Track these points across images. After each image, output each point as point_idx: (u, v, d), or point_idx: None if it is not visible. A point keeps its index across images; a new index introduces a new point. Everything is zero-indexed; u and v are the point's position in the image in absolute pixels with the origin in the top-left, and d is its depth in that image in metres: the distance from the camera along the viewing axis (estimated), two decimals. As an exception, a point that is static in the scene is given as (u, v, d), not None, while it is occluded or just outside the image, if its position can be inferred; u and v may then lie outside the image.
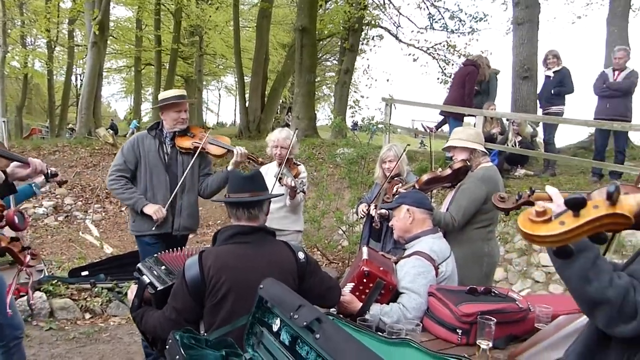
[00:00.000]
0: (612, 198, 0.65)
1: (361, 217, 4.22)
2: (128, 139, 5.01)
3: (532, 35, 9.57)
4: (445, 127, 8.32)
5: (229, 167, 3.81)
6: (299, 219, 4.26)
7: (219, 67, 31.19)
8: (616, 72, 6.92)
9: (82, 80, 23.31)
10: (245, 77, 18.66)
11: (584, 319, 2.35)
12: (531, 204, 1.66)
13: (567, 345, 2.21)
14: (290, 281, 2.24)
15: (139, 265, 2.45)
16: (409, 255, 2.75)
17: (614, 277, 1.28)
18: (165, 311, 2.19)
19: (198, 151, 3.73)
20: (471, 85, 7.62)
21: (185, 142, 3.78)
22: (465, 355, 1.66)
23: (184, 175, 3.71)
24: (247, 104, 17.02)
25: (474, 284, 2.70)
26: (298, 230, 4.26)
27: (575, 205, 0.66)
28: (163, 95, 3.85)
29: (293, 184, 3.79)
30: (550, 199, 1.51)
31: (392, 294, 2.60)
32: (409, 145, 4.43)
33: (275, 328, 1.86)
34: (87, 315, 5.12)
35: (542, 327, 2.50)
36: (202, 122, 25.20)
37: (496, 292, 2.60)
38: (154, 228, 3.62)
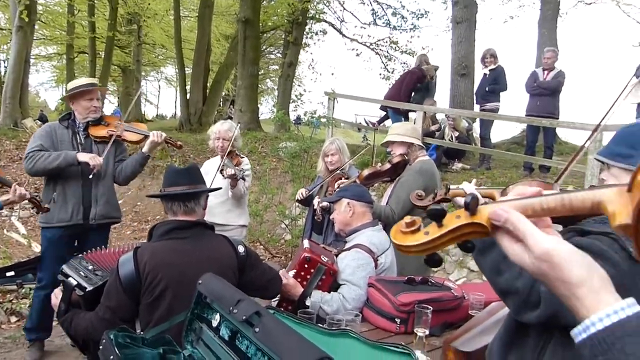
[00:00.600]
0: (469, 208, 0.68)
1: (297, 200, 4.20)
2: None
3: (469, 34, 9.94)
4: (388, 122, 8.51)
5: (144, 149, 3.69)
6: (243, 213, 4.21)
7: (159, 58, 30.18)
8: (546, 72, 7.30)
9: (6, 67, 21.82)
10: (186, 69, 18.17)
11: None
12: (448, 200, 1.72)
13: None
14: (230, 275, 2.22)
15: (64, 267, 2.31)
16: (349, 248, 2.79)
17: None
18: (98, 311, 2.10)
19: (113, 139, 3.61)
20: (408, 85, 7.89)
21: (100, 131, 3.63)
22: (403, 344, 1.70)
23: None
24: (188, 96, 16.59)
25: (413, 274, 2.78)
26: (243, 225, 4.20)
27: (436, 216, 0.69)
28: (72, 84, 3.67)
29: (233, 172, 3.72)
30: (465, 195, 1.59)
31: (333, 279, 2.65)
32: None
33: (214, 323, 1.84)
34: (13, 319, 4.82)
35: (476, 313, 2.61)
36: (141, 114, 24.29)
37: (433, 281, 2.69)
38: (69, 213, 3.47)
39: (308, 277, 2.62)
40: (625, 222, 0.60)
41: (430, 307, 2.29)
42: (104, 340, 1.75)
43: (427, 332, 2.25)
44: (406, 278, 2.64)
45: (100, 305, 2.11)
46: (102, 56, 21.52)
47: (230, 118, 14.41)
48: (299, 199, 4.11)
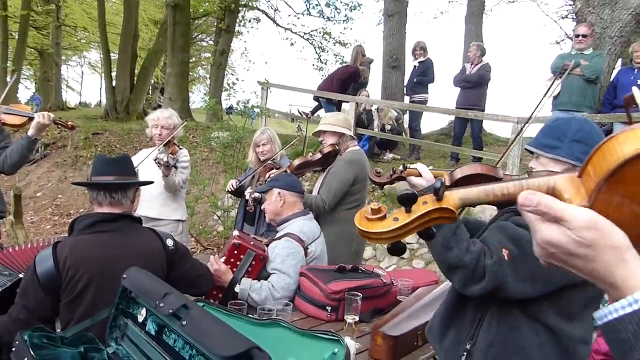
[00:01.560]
0: (438, 194, 0.69)
1: (228, 191, 4.12)
2: None
3: (400, 27, 10.17)
4: (322, 113, 8.57)
5: (30, 133, 3.37)
6: (180, 207, 4.03)
7: (81, 41, 28.45)
8: (472, 65, 7.63)
9: None
10: (112, 54, 17.27)
11: (440, 289, 2.60)
12: (403, 178, 1.81)
13: (426, 314, 2.43)
14: (159, 270, 2.15)
15: None
16: (279, 238, 2.79)
17: (470, 244, 1.48)
18: (12, 312, 1.96)
19: None
20: (340, 78, 8.04)
21: None
22: (332, 331, 1.73)
23: None
24: (114, 83, 15.80)
25: (344, 262, 2.83)
26: (179, 220, 4.04)
27: (407, 201, 0.69)
28: None
29: (165, 159, 3.56)
30: (419, 175, 1.68)
31: (262, 265, 2.66)
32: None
33: (140, 319, 1.78)
34: None
35: (404, 299, 2.70)
36: (61, 100, 22.83)
37: (363, 269, 2.75)
38: None
39: (238, 263, 2.62)
40: (582, 204, 0.64)
41: (359, 294, 2.34)
42: (16, 342, 1.64)
43: (357, 318, 2.30)
44: (337, 266, 2.69)
45: (14, 305, 1.97)
46: (16, 37, 19.94)
47: (160, 107, 13.93)
48: (230, 190, 4.04)
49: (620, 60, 7.98)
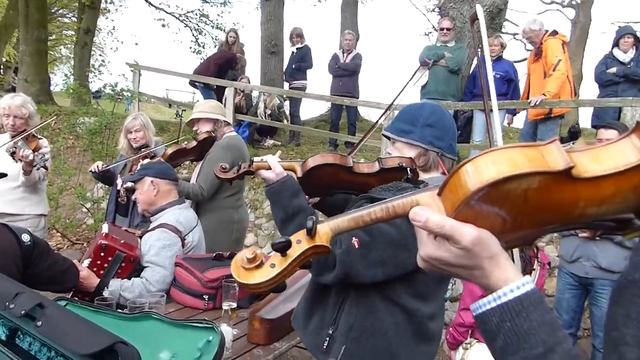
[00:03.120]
0: (311, 233, 0.71)
1: (91, 172, 3.82)
2: None
3: (279, 12, 10.17)
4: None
5: None
6: (41, 201, 3.70)
7: None
8: (346, 54, 7.89)
9: None
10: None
11: (314, 271, 2.68)
12: (251, 173, 1.74)
13: (301, 296, 2.51)
14: (13, 268, 1.94)
15: None
16: (154, 228, 2.68)
17: None
18: None
19: None
20: (216, 63, 7.89)
21: None
22: (206, 319, 1.71)
23: None
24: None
25: (224, 250, 2.80)
26: (41, 214, 3.69)
27: (282, 249, 0.70)
28: None
29: (31, 158, 3.22)
30: (269, 168, 1.66)
31: (133, 267, 2.51)
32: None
33: (-13, 324, 1.60)
34: None
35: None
36: None
37: (241, 255, 2.75)
38: None
39: (105, 265, 2.43)
40: None
41: (237, 280, 2.34)
42: None
43: (235, 305, 2.30)
44: (214, 254, 2.65)
45: None
46: None
47: (14, 89, 12.46)
48: (93, 171, 3.74)
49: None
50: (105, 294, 2.28)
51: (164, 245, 2.57)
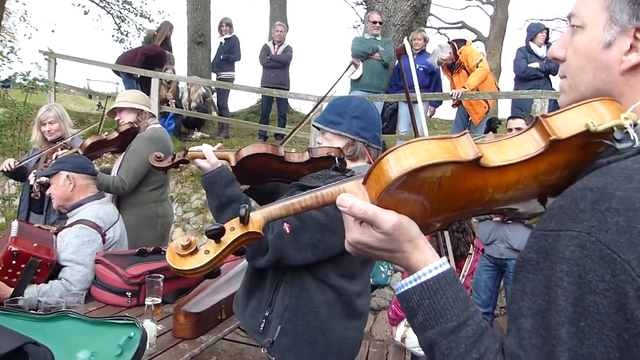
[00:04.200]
0: (244, 220, 0.74)
1: (2, 171, 3.56)
2: None
3: (205, 2, 9.92)
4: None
5: None
6: None
7: None
8: (276, 46, 7.85)
9: None
10: None
11: (243, 263, 2.68)
12: (186, 162, 1.79)
13: (230, 288, 2.50)
14: None
15: None
16: (71, 225, 2.55)
17: None
18: None
19: None
20: (144, 52, 7.62)
21: None
22: (127, 315, 1.67)
23: None
24: None
25: (148, 245, 2.72)
26: None
27: (216, 236, 0.72)
28: None
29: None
30: (204, 157, 1.69)
31: (50, 271, 2.36)
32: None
33: None
34: None
35: (209, 275, 2.73)
36: None
37: (166, 250, 2.68)
38: None
39: (18, 273, 2.24)
40: None
41: (161, 275, 2.29)
42: None
43: (159, 300, 2.25)
44: (137, 250, 2.57)
45: None
46: None
47: None
48: (5, 170, 3.49)
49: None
50: (21, 302, 2.05)
51: (83, 242, 2.45)
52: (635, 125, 0.68)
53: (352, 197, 0.75)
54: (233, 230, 0.74)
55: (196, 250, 0.72)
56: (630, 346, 0.57)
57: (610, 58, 0.73)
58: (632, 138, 0.67)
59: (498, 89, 6.23)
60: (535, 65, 5.95)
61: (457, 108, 6.35)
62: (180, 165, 1.89)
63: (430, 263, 0.74)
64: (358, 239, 0.76)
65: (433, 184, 0.71)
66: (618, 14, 0.71)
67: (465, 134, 0.72)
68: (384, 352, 3.10)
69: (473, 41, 6.13)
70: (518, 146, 0.73)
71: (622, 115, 0.69)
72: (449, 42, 6.18)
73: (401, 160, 0.69)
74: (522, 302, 0.65)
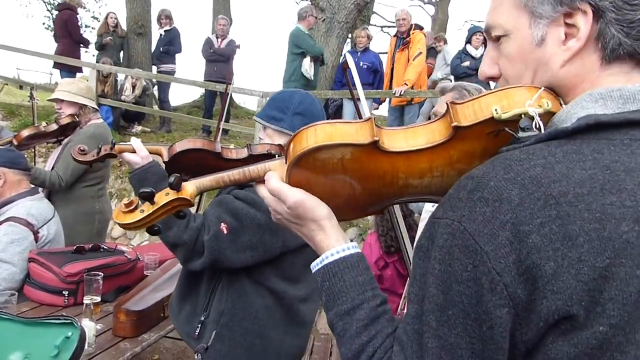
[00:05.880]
0: (173, 187, 0.82)
1: None
2: None
3: (144, -8, 9.60)
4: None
5: None
6: None
7: None
8: (220, 39, 7.72)
9: None
10: None
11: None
12: (113, 156, 1.67)
13: (173, 285, 2.45)
14: None
15: None
16: (0, 223, 2.42)
17: (191, 220, 1.50)
18: None
19: None
20: (76, 31, 7.28)
21: None
22: (64, 314, 1.62)
23: None
24: None
25: (85, 242, 2.63)
26: None
27: (147, 197, 0.81)
28: None
29: None
30: (134, 151, 1.60)
31: None
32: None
33: None
34: None
35: (151, 273, 2.67)
36: None
37: (105, 247, 2.61)
38: None
39: None
40: (284, 181, 0.81)
41: (100, 273, 2.22)
42: None
43: (99, 299, 2.18)
44: (75, 247, 2.48)
45: None
46: None
47: None
48: None
49: (349, 43, 9.19)
50: None
51: (12, 240, 2.34)
52: (552, 114, 0.68)
53: (273, 174, 0.82)
54: (167, 195, 0.82)
55: (135, 209, 0.82)
56: (487, 338, 0.58)
57: (547, 53, 0.68)
58: (537, 127, 0.65)
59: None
60: (466, 63, 6.32)
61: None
62: (108, 159, 1.78)
63: (333, 247, 0.79)
64: (274, 208, 0.83)
65: (336, 164, 0.75)
66: (539, 7, 0.67)
67: (369, 119, 0.74)
68: (329, 345, 3.15)
69: (425, 36, 6.39)
70: (429, 133, 0.73)
71: (526, 102, 0.67)
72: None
73: (303, 140, 0.74)
74: (411, 288, 0.67)
